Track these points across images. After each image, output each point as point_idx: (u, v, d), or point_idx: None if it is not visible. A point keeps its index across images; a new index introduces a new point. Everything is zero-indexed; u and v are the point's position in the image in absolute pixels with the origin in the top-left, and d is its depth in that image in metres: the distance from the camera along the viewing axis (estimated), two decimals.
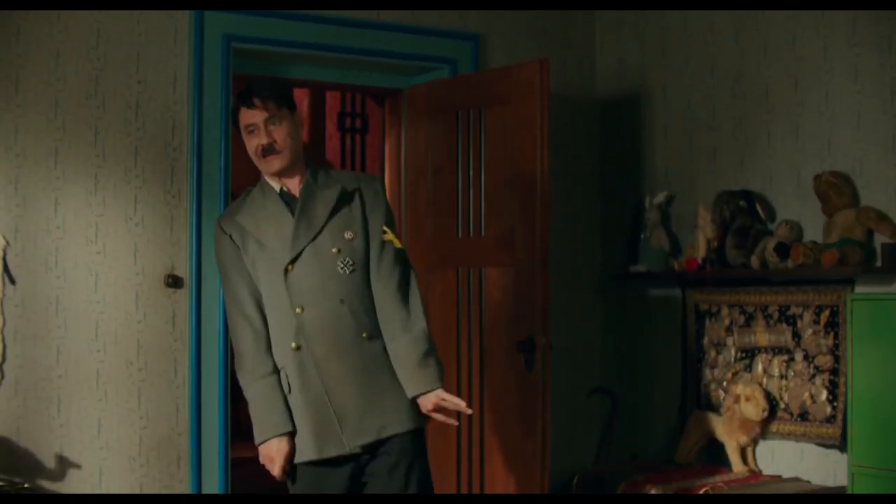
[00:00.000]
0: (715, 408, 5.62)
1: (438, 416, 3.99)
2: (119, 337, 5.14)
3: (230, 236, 3.97)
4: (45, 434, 4.96)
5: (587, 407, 6.26)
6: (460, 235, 5.69)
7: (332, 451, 3.86)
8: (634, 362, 6.21)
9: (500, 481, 5.44)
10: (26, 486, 4.68)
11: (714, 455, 5.70)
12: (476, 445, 5.56)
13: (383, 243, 4.03)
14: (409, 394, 3.95)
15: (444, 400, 3.95)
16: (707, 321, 5.75)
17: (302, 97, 9.62)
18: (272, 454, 3.88)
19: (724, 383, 5.60)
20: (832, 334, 5.13)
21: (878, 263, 4.93)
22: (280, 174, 4.00)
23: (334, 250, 3.93)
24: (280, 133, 3.95)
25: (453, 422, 4.05)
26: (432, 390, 3.95)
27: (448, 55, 5.91)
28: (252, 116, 3.94)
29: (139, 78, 5.20)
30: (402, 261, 4.08)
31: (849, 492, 4.52)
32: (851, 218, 4.98)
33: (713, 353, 5.70)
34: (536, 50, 6.06)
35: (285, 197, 4.01)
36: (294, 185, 4.02)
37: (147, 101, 5.21)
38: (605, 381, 6.32)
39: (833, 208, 5.06)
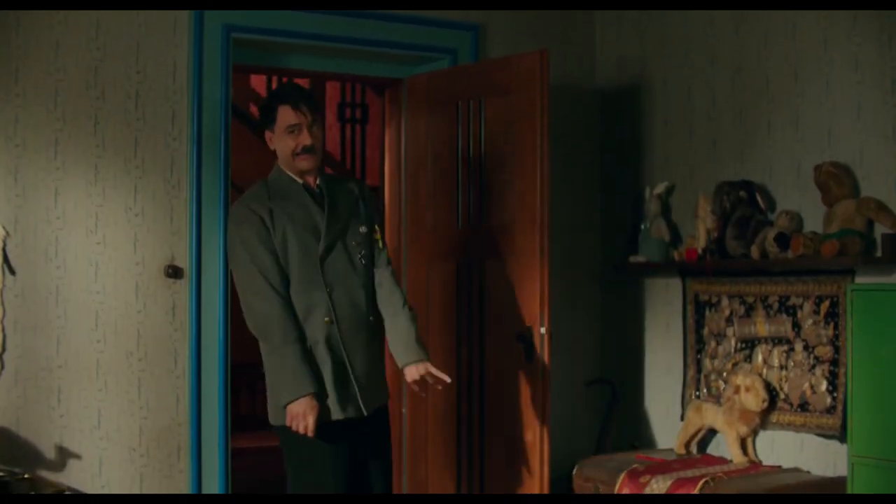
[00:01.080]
0: (715, 398, 5.62)
1: (415, 387, 4.58)
2: (119, 327, 5.14)
3: (260, 217, 4.36)
4: (45, 424, 4.97)
5: (587, 397, 6.27)
6: (460, 226, 5.69)
7: (352, 413, 4.36)
8: (634, 353, 6.21)
9: (500, 471, 5.45)
10: (26, 476, 4.68)
11: (714, 445, 5.71)
12: (476, 435, 5.57)
13: (377, 240, 4.61)
14: (404, 361, 4.54)
15: (430, 372, 4.54)
16: (707, 311, 5.75)
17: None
18: (305, 411, 4.24)
19: (724, 374, 5.61)
20: (832, 325, 5.13)
21: (879, 254, 4.93)
22: (306, 172, 4.46)
23: (354, 243, 4.48)
24: (318, 137, 4.47)
25: (423, 393, 4.70)
26: (422, 361, 4.53)
27: (448, 45, 5.90)
28: (298, 118, 4.40)
29: (139, 68, 5.19)
30: (390, 260, 4.66)
31: (848, 482, 4.53)
32: (852, 208, 4.98)
33: (713, 344, 5.70)
34: (536, 40, 6.05)
35: (308, 190, 4.47)
36: (311, 181, 4.49)
37: (147, 92, 5.21)
38: (604, 372, 6.33)
39: (833, 199, 5.05)
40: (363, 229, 4.52)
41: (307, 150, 4.40)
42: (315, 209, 4.43)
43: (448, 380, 4.58)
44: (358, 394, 4.38)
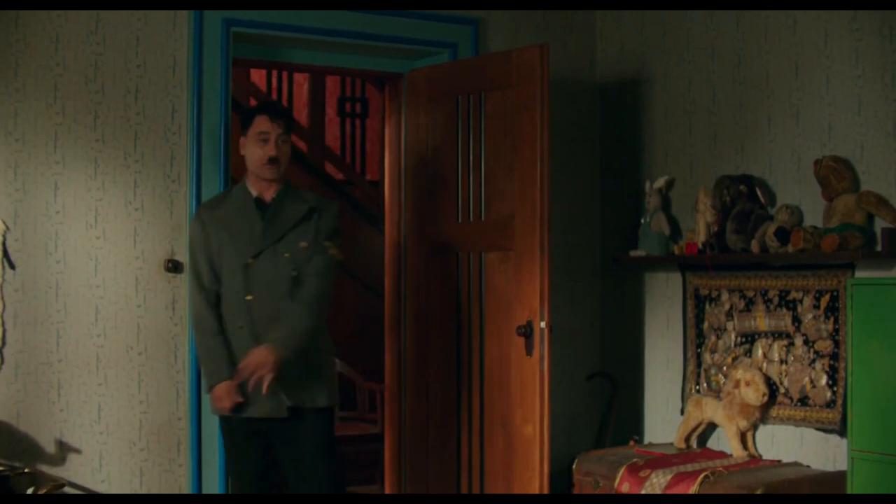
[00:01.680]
0: (715, 392, 5.62)
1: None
2: (119, 321, 5.14)
3: (204, 224, 4.75)
4: (45, 419, 4.97)
5: (587, 391, 6.27)
6: (460, 220, 5.69)
7: (254, 412, 4.66)
8: (634, 347, 6.21)
9: (500, 465, 5.44)
10: (26, 470, 4.69)
11: (714, 440, 5.71)
12: (476, 430, 5.57)
13: (320, 252, 4.73)
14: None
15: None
16: (707, 306, 5.75)
17: (302, 82, 9.62)
18: (222, 394, 4.64)
19: (724, 368, 5.61)
20: (832, 319, 5.13)
21: (879, 248, 4.93)
22: (269, 181, 4.76)
23: (287, 255, 4.69)
24: (285, 150, 4.78)
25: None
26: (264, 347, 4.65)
27: (448, 39, 5.89)
28: (270, 127, 4.73)
29: (138, 62, 5.19)
30: (327, 268, 4.74)
31: (848, 477, 4.52)
32: (852, 203, 4.97)
33: (713, 338, 5.70)
34: (537, 34, 6.05)
35: (259, 203, 4.76)
36: (269, 194, 4.78)
37: (146, 86, 5.21)
38: (604, 366, 6.33)
39: (833, 193, 5.05)
40: (304, 244, 4.72)
41: (271, 160, 4.71)
42: (257, 221, 4.72)
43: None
44: (279, 391, 4.62)
